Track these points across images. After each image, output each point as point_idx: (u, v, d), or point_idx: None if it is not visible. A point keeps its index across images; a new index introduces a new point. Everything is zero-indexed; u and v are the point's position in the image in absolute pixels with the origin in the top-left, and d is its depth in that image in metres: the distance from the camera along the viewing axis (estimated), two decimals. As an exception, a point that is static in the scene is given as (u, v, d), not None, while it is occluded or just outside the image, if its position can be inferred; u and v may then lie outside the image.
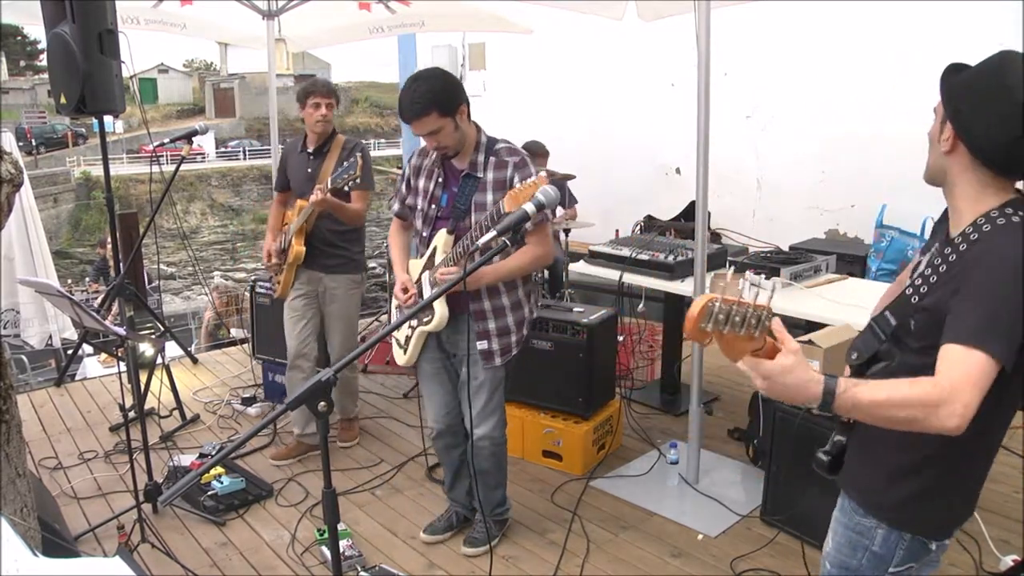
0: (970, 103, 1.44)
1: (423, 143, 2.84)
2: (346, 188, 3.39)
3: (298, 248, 3.77)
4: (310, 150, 3.81)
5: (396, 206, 3.05)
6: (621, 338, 4.49)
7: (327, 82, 3.90)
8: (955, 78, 1.50)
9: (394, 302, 3.12)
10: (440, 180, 2.84)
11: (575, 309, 3.98)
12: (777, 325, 1.37)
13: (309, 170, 3.76)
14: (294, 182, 3.88)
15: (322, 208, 3.61)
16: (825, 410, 1.37)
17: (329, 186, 3.41)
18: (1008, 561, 2.91)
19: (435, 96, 2.61)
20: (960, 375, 1.35)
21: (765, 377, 1.35)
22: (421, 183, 2.90)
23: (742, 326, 1.26)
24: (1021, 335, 1.37)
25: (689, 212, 6.11)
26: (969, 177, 1.47)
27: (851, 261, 5.22)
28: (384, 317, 3.25)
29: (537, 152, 5.96)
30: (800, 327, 4.05)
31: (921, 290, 1.52)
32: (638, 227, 6.22)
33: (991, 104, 1.42)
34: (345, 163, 3.53)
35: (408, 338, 2.98)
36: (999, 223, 1.43)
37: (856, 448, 1.66)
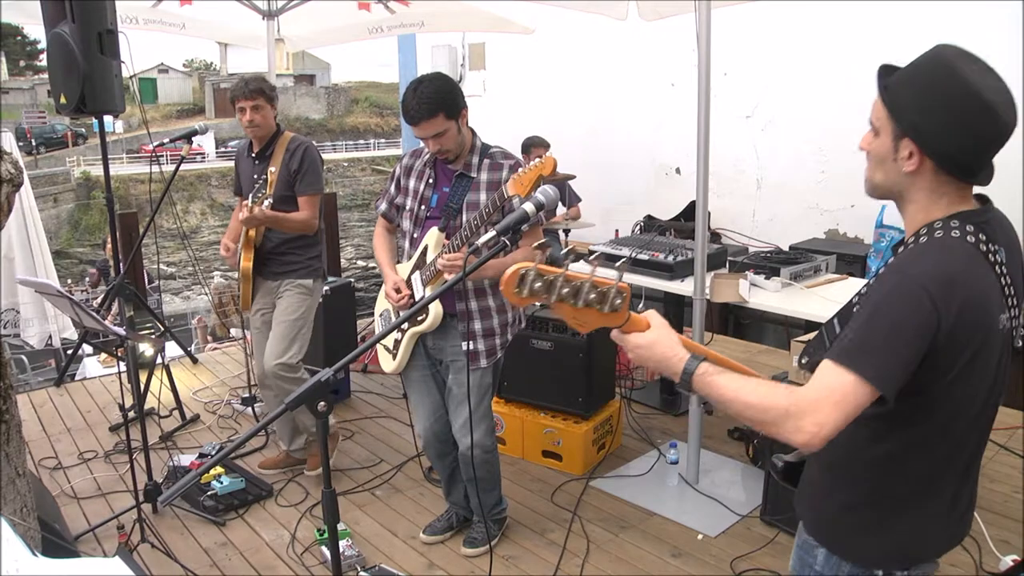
0: (932, 115, 1.33)
1: (422, 145, 2.84)
2: (264, 203, 3.28)
3: (244, 264, 3.60)
4: (254, 154, 3.61)
5: (383, 206, 3.03)
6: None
7: (253, 80, 3.48)
8: (898, 87, 1.38)
9: (378, 309, 3.10)
10: (431, 181, 2.84)
11: (575, 309, 3.97)
12: (651, 312, 1.43)
13: (255, 175, 3.58)
14: (244, 187, 3.68)
15: (252, 226, 3.49)
16: (684, 388, 1.39)
17: (249, 204, 3.33)
18: (1008, 561, 2.91)
19: (442, 98, 2.61)
20: (821, 392, 1.29)
21: (631, 349, 1.43)
22: (411, 183, 2.89)
23: (576, 298, 1.32)
24: (903, 357, 1.28)
25: (689, 212, 6.11)
26: (931, 189, 1.38)
27: (851, 261, 5.23)
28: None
29: (539, 144, 6.00)
30: (800, 327, 4.06)
31: (863, 297, 1.45)
32: (638, 227, 6.23)
33: (957, 112, 1.32)
34: (259, 178, 3.45)
35: (398, 342, 2.96)
36: (936, 236, 1.35)
37: (808, 463, 1.61)
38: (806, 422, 1.27)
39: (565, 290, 1.31)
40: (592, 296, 1.32)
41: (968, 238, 1.34)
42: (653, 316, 1.44)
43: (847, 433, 1.30)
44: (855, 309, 1.45)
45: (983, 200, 1.43)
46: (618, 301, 1.34)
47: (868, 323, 1.31)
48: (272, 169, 3.50)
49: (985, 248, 1.35)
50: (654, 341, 1.41)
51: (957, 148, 1.33)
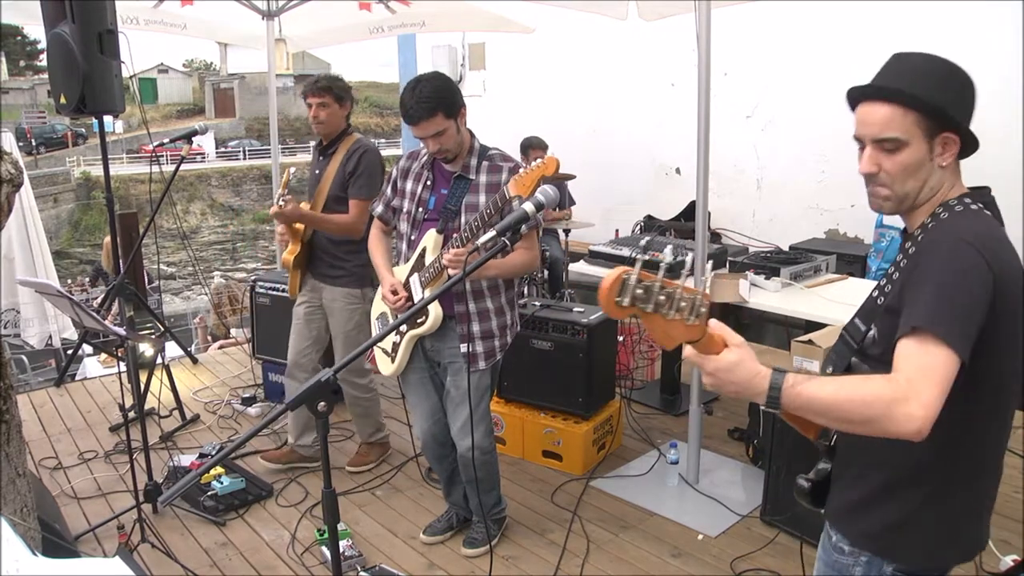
0: (960, 100, 1.34)
1: (421, 146, 2.84)
2: (283, 201, 3.34)
3: (286, 256, 3.67)
4: (320, 149, 3.68)
5: (379, 208, 3.02)
6: (621, 338, 4.49)
7: (324, 78, 3.60)
8: (916, 89, 1.34)
9: (374, 312, 3.10)
10: (429, 183, 2.83)
11: (575, 309, 3.98)
12: (718, 323, 1.30)
13: (317, 171, 3.65)
14: (310, 179, 3.75)
15: (284, 222, 3.54)
16: (773, 406, 1.28)
17: (281, 202, 3.39)
18: (1008, 561, 2.91)
19: (440, 97, 2.61)
20: (915, 369, 1.22)
21: (711, 373, 1.29)
22: (408, 185, 2.89)
23: (670, 308, 1.21)
24: (976, 321, 1.25)
25: (689, 212, 6.11)
26: (951, 172, 1.40)
27: (851, 261, 5.23)
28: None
29: (537, 145, 6.01)
30: (800, 327, 4.06)
31: (885, 290, 1.43)
32: (638, 227, 6.23)
33: (970, 90, 1.36)
34: (319, 173, 3.47)
35: (396, 344, 2.94)
36: (957, 210, 1.36)
37: (837, 474, 1.55)
38: (913, 405, 1.19)
39: (661, 298, 1.20)
40: (683, 304, 1.21)
41: (973, 206, 1.38)
42: (729, 334, 1.31)
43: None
44: (879, 301, 1.44)
45: (980, 188, 1.45)
46: (703, 310, 1.23)
47: (935, 292, 1.26)
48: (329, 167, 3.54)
49: (999, 222, 1.39)
50: (737, 362, 1.27)
51: (970, 120, 1.37)
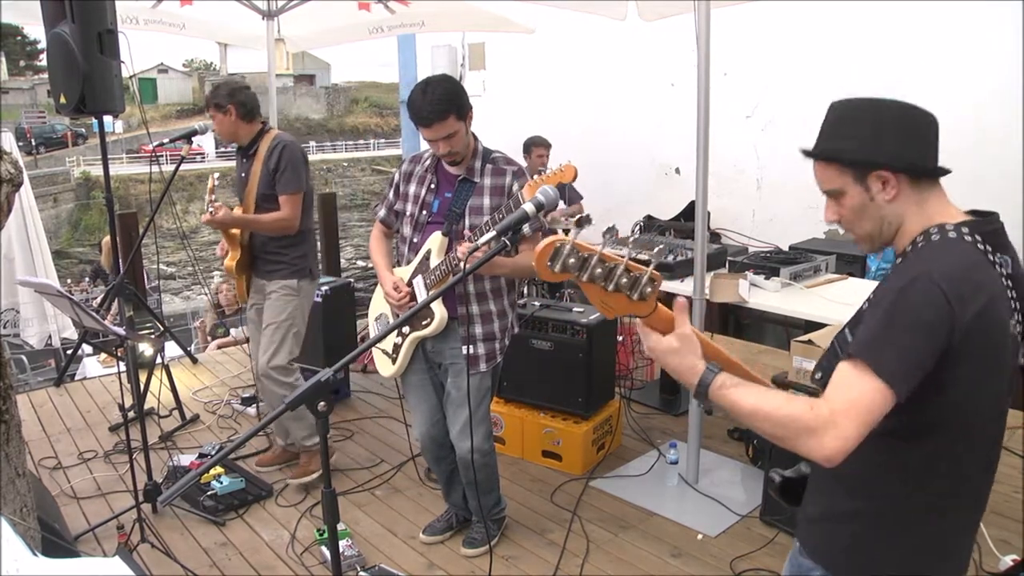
0: (878, 139, 1.37)
1: (425, 145, 2.84)
2: (212, 209, 3.34)
3: (228, 263, 3.65)
4: (242, 151, 3.64)
5: (382, 212, 3.02)
6: (621, 338, 4.49)
7: (214, 89, 3.55)
8: (830, 144, 1.42)
9: (373, 313, 3.10)
10: (433, 186, 2.84)
11: (575, 309, 3.98)
12: (679, 307, 1.36)
13: (242, 173, 3.61)
14: (236, 183, 3.70)
15: (217, 227, 3.53)
16: (699, 400, 1.37)
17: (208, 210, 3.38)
18: (1008, 561, 2.91)
19: (451, 99, 2.62)
20: (842, 401, 1.25)
21: (650, 349, 1.40)
22: (412, 188, 2.89)
23: (608, 281, 1.27)
24: (919, 361, 1.25)
25: (689, 212, 6.11)
26: (914, 202, 1.40)
27: (851, 261, 5.22)
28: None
29: (540, 144, 6.03)
30: (800, 327, 4.06)
31: (871, 300, 1.44)
32: (638, 227, 6.22)
33: (891, 123, 1.38)
34: (244, 176, 3.47)
35: (397, 346, 2.94)
36: (934, 239, 1.36)
37: (811, 482, 1.56)
38: (828, 437, 1.23)
39: (598, 270, 1.26)
40: (624, 280, 1.27)
41: (966, 237, 1.34)
42: (680, 321, 1.38)
43: (864, 446, 1.25)
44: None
45: (986, 213, 1.42)
46: (648, 289, 1.29)
47: (884, 321, 1.28)
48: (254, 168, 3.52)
49: (985, 252, 1.34)
50: (674, 350, 1.37)
51: (916, 150, 1.38)
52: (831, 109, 1.44)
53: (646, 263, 1.31)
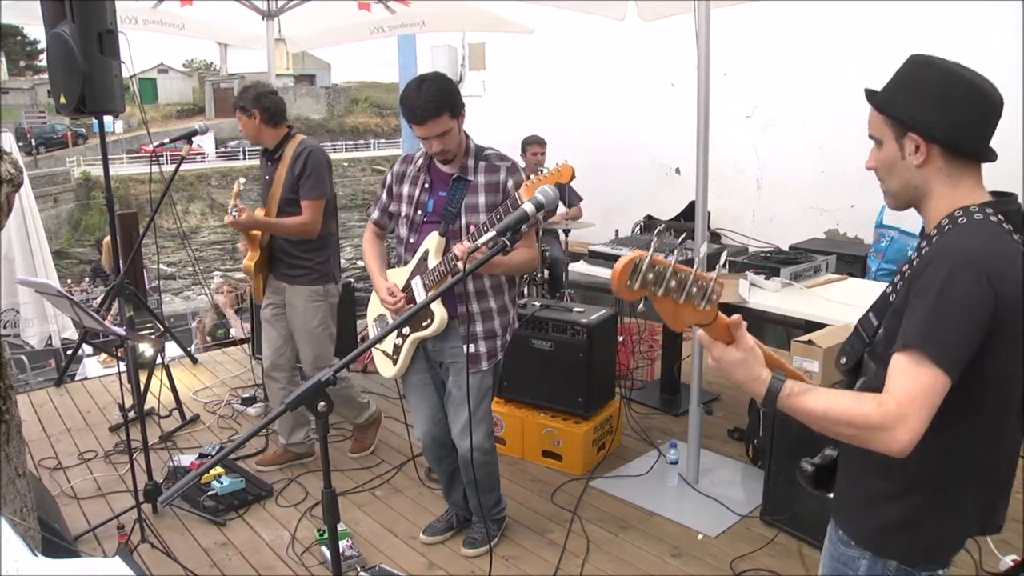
0: (926, 104, 1.41)
1: (419, 148, 2.84)
2: (236, 211, 3.40)
3: (246, 263, 3.72)
4: (267, 155, 3.69)
5: (375, 214, 3.01)
6: (621, 338, 4.49)
7: (242, 91, 3.62)
8: (887, 93, 1.47)
9: (371, 315, 3.09)
10: (427, 186, 2.83)
11: (575, 309, 3.98)
12: (737, 321, 1.37)
13: (267, 176, 3.67)
14: (261, 186, 3.76)
15: (238, 229, 3.62)
16: (767, 408, 1.38)
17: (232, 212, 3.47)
18: (1008, 561, 2.91)
19: (445, 97, 2.62)
20: (906, 394, 1.29)
21: (716, 359, 1.39)
22: (405, 189, 2.88)
23: (680, 292, 1.27)
24: (970, 344, 1.30)
25: (689, 212, 6.11)
26: (944, 177, 1.43)
27: (851, 261, 5.22)
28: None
29: (535, 142, 6.05)
30: (800, 327, 4.06)
31: (898, 287, 1.48)
32: (638, 227, 6.23)
33: (948, 95, 1.40)
34: (268, 178, 3.53)
35: (398, 347, 2.93)
36: (960, 222, 1.39)
37: (842, 469, 1.61)
38: (899, 431, 1.27)
39: (672, 283, 1.26)
40: (694, 290, 1.27)
41: (991, 218, 1.39)
42: (741, 335, 1.38)
43: None
44: (891, 298, 1.48)
45: (1006, 193, 1.46)
46: (714, 297, 1.29)
47: (934, 310, 1.31)
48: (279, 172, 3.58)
49: (1009, 231, 1.39)
50: (740, 361, 1.37)
51: (957, 127, 1.40)
52: (909, 60, 1.47)
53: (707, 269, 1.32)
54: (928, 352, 1.29)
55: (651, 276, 1.25)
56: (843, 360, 1.57)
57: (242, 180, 3.67)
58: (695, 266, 1.33)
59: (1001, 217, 1.39)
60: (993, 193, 1.44)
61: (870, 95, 1.49)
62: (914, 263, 1.44)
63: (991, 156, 1.43)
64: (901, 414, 1.28)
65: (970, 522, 1.50)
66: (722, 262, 1.33)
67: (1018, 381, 1.41)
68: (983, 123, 1.41)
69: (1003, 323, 1.32)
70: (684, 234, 1.81)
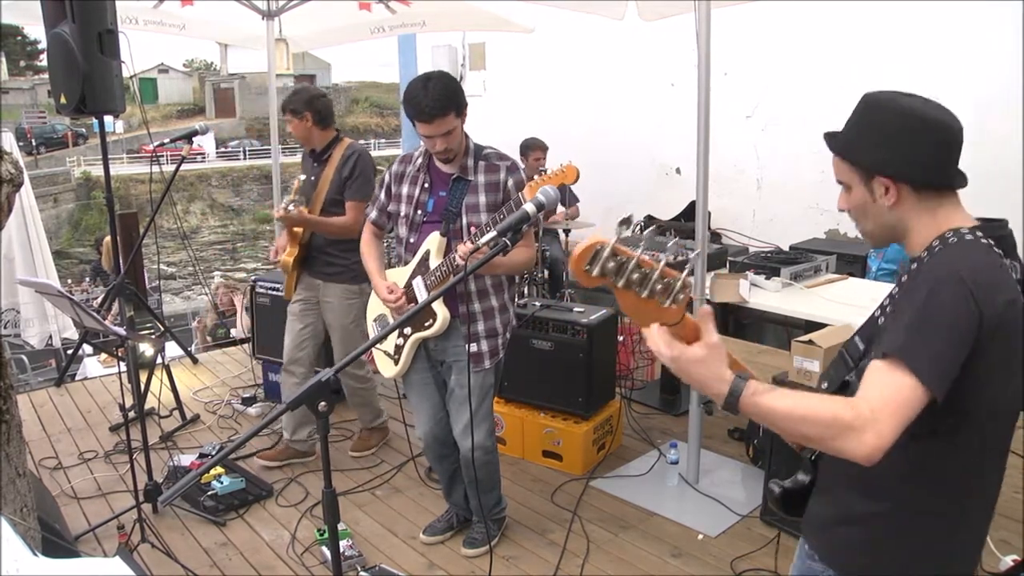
0: (887, 145, 1.39)
1: (418, 147, 2.84)
2: (293, 207, 3.45)
3: (285, 259, 3.77)
4: (313, 156, 3.77)
5: (373, 214, 3.01)
6: (621, 338, 4.49)
7: (293, 94, 3.71)
8: (847, 139, 1.45)
9: (370, 315, 3.09)
10: (426, 185, 2.83)
11: (575, 309, 3.98)
12: (704, 314, 1.32)
13: (312, 177, 3.74)
14: (304, 185, 3.82)
15: (287, 224, 3.66)
16: (729, 410, 1.31)
17: (285, 206, 3.51)
18: (1008, 561, 2.91)
19: (451, 96, 2.62)
20: (880, 399, 1.25)
21: (672, 359, 1.30)
22: (404, 189, 2.87)
23: (643, 287, 1.21)
24: (953, 359, 1.26)
25: (689, 212, 6.12)
26: (920, 210, 1.41)
27: (851, 261, 5.23)
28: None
29: (536, 146, 6.02)
30: (800, 327, 4.06)
31: (886, 310, 1.45)
32: (638, 227, 6.23)
33: (907, 133, 1.38)
34: (313, 179, 3.59)
35: (399, 347, 2.93)
36: (951, 242, 1.37)
37: (819, 486, 1.57)
38: (868, 434, 1.22)
39: (635, 275, 1.21)
40: (659, 287, 1.21)
41: (981, 240, 1.37)
42: (706, 330, 1.31)
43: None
44: (880, 321, 1.45)
45: (995, 220, 1.43)
46: (680, 296, 1.23)
47: (915, 320, 1.29)
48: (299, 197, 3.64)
49: (999, 255, 1.36)
50: (701, 359, 1.29)
51: (921, 163, 1.39)
52: (861, 101, 1.45)
53: (679, 267, 1.26)
54: (907, 361, 1.26)
55: (611, 265, 1.20)
56: (824, 384, 1.52)
57: (302, 177, 3.74)
58: (688, 266, 1.31)
59: (991, 241, 1.37)
60: (981, 219, 1.42)
61: (830, 141, 1.48)
62: (904, 283, 1.43)
63: (962, 182, 1.42)
64: (873, 418, 1.23)
65: (939, 554, 1.45)
66: (688, 269, 1.27)
67: (1000, 412, 1.37)
68: (947, 152, 1.39)
69: (988, 343, 1.28)
70: (671, 232, 1.81)
